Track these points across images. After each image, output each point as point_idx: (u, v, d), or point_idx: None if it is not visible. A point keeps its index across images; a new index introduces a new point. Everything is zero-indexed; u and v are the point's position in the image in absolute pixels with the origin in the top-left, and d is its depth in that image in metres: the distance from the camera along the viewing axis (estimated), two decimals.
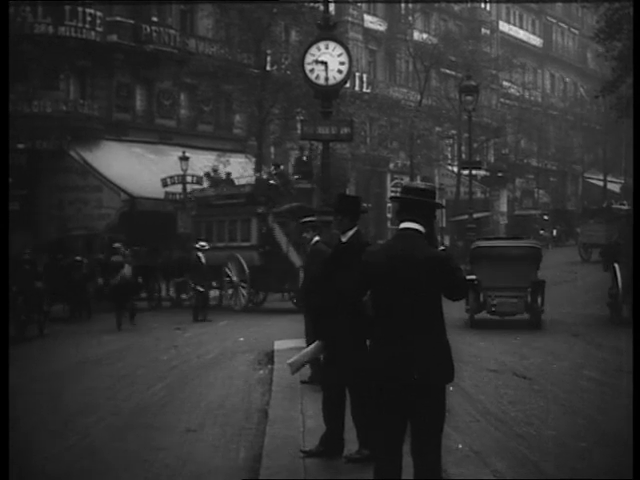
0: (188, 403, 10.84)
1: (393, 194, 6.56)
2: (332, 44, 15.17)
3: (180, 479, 7.68)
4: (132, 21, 35.41)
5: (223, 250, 23.64)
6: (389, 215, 46.53)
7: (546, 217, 51.35)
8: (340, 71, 14.97)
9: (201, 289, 21.39)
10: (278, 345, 14.54)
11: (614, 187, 66.09)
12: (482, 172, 48.89)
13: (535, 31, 67.95)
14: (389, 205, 47.86)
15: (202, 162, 33.17)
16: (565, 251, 42.77)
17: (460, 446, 7.77)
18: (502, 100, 58.63)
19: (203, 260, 21.58)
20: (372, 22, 49.52)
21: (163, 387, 11.98)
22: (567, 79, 71.88)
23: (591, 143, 63.72)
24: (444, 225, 45.70)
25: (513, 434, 8.75)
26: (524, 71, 62.63)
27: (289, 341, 14.96)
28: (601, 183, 64.77)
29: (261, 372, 12.79)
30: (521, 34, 65.34)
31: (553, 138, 63.37)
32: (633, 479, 6.07)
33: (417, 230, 5.37)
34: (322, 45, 15.09)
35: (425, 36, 49.09)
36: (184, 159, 32.79)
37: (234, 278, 23.60)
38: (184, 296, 24.56)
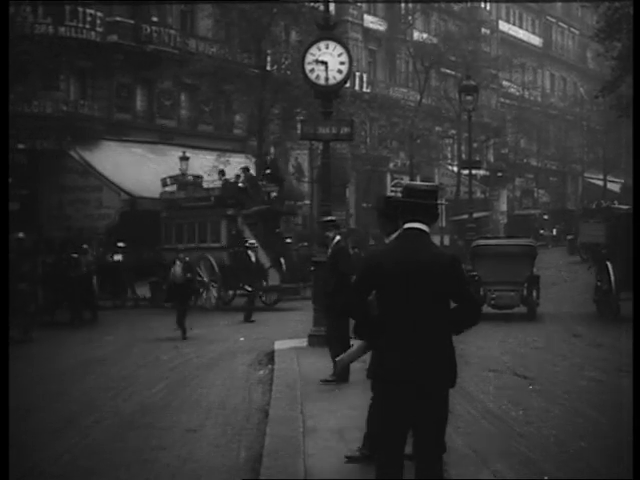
0: (188, 403, 10.85)
1: (393, 193, 6.55)
2: (332, 44, 15.15)
3: (181, 479, 7.69)
4: (132, 21, 35.41)
5: (193, 251, 24.09)
6: None
7: (546, 217, 51.35)
8: (340, 71, 14.95)
9: (250, 289, 21.24)
10: (278, 345, 14.55)
11: (614, 187, 66.08)
12: (482, 172, 48.91)
13: (535, 31, 67.95)
14: None
15: (202, 162, 33.18)
16: (564, 250, 42.75)
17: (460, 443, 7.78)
18: (502, 100, 58.64)
19: (253, 259, 21.28)
20: (372, 22, 49.53)
21: (164, 387, 11.99)
22: (567, 79, 71.89)
23: (591, 143, 63.72)
24: (444, 225, 45.72)
25: (513, 434, 8.76)
26: (524, 71, 62.63)
27: (289, 341, 14.99)
28: (601, 183, 64.76)
29: (261, 372, 12.80)
30: (521, 34, 65.34)
31: (553, 138, 63.39)
32: (633, 479, 6.07)
33: (422, 230, 5.37)
34: (322, 45, 15.07)
35: (425, 36, 49.10)
36: (184, 159, 32.80)
37: (205, 278, 24.09)
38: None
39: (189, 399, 11.11)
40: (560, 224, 50.09)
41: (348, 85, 26.38)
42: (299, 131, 18.16)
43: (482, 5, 56.17)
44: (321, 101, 15.25)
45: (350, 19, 46.59)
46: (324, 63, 14.86)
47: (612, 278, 17.99)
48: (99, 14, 33.76)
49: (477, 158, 42.13)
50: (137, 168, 33.56)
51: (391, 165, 48.97)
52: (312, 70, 14.96)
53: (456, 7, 54.53)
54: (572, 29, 72.51)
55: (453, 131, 47.16)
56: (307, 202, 37.94)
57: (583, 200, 61.83)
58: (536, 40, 67.60)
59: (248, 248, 22.70)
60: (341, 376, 10.78)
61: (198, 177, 28.93)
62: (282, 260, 24.42)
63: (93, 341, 17.99)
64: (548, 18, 69.21)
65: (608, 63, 30.61)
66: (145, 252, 26.58)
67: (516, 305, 19.17)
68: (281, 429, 8.52)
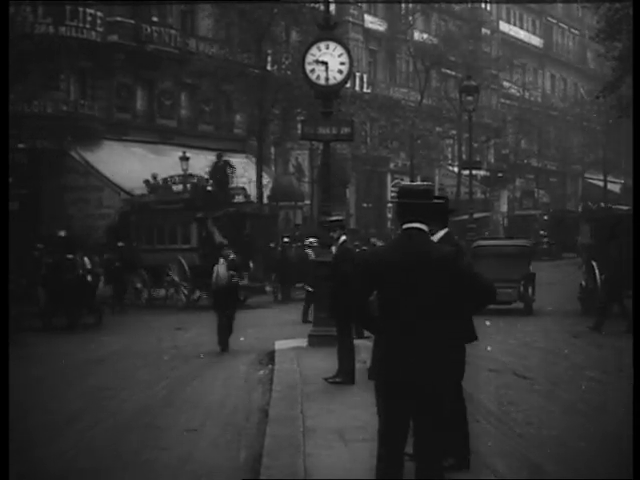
0: (189, 403, 10.85)
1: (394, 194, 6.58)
2: (332, 44, 15.14)
3: (181, 479, 7.69)
4: (133, 21, 35.41)
5: (164, 252, 24.98)
6: (389, 215, 46.54)
7: (545, 217, 51.26)
8: (340, 71, 14.94)
9: (310, 289, 21.17)
10: (279, 345, 14.55)
11: (614, 187, 66.06)
12: (482, 172, 48.88)
13: (535, 31, 67.94)
14: (389, 205, 47.89)
15: (203, 162, 33.18)
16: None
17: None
18: (502, 100, 58.64)
19: (313, 258, 21.06)
20: (372, 22, 49.53)
21: (164, 387, 11.99)
22: (567, 79, 71.88)
23: (591, 143, 63.66)
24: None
25: (513, 434, 8.76)
26: (524, 71, 62.64)
27: (290, 341, 14.98)
28: (601, 183, 64.74)
29: (261, 372, 12.80)
30: (521, 34, 65.34)
31: (553, 138, 63.36)
32: (633, 479, 6.07)
33: (421, 229, 5.38)
34: (322, 45, 15.06)
35: (425, 36, 49.12)
36: (184, 159, 32.79)
37: (175, 278, 24.76)
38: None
39: (189, 399, 11.11)
40: (558, 232, 49.41)
41: (348, 85, 26.43)
42: (299, 131, 18.17)
43: (482, 5, 56.15)
44: (321, 101, 15.24)
45: (350, 19, 46.60)
46: (324, 63, 14.85)
47: (597, 277, 18.90)
48: (99, 14, 33.76)
49: (477, 159, 42.12)
50: (137, 168, 33.55)
51: (391, 165, 48.97)
52: (312, 70, 14.95)
53: (456, 7, 54.50)
54: (572, 30, 72.50)
55: (453, 131, 47.16)
56: (307, 202, 37.95)
57: (584, 201, 61.77)
58: (536, 41, 67.60)
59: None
60: (348, 377, 10.82)
61: (166, 180, 29.45)
62: (250, 262, 25.05)
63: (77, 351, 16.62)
64: (549, 19, 69.20)
65: (608, 64, 30.60)
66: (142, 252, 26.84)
67: (513, 300, 20.33)
68: (281, 429, 8.52)
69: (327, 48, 15.04)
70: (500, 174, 54.03)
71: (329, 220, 12.34)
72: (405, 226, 5.41)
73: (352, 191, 45.89)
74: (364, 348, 11.61)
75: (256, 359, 14.05)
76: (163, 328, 19.61)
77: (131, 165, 33.44)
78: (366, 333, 12.38)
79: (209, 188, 27.17)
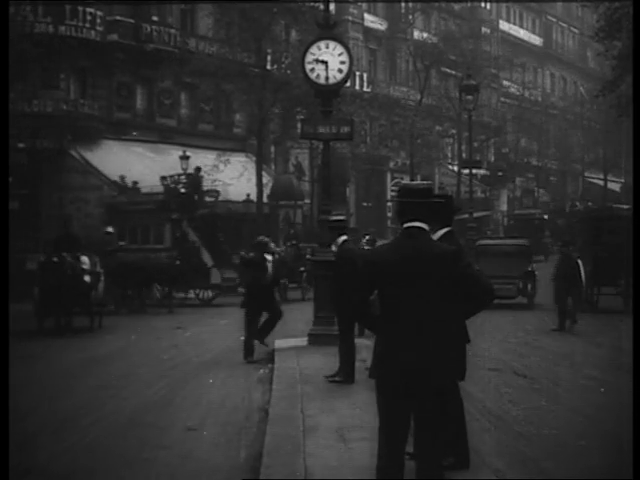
0: (189, 402, 10.85)
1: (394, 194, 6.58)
2: (332, 43, 15.14)
3: (181, 478, 7.70)
4: (132, 20, 35.41)
5: (137, 252, 25.06)
6: (389, 214, 46.54)
7: (545, 216, 51.24)
8: (340, 70, 14.94)
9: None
10: (278, 344, 14.55)
11: (614, 186, 66.06)
12: (482, 171, 48.86)
13: (535, 30, 67.93)
14: (389, 204, 47.87)
15: (203, 161, 33.18)
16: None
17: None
18: (502, 99, 58.62)
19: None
20: (372, 21, 49.52)
21: (164, 386, 11.98)
22: (567, 78, 71.87)
23: (591, 142, 63.66)
24: None
25: (513, 433, 8.76)
26: (524, 70, 62.60)
27: (289, 340, 14.98)
28: (601, 182, 64.74)
29: (261, 371, 12.80)
30: (521, 33, 65.33)
31: (553, 137, 63.34)
32: (633, 479, 6.08)
33: (421, 228, 5.38)
34: (322, 44, 15.06)
35: (425, 35, 49.11)
36: (184, 158, 32.80)
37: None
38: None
39: (189, 398, 11.11)
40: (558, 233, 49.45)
41: (348, 84, 26.40)
42: (299, 130, 18.15)
43: (482, 4, 56.16)
44: (321, 100, 15.23)
45: (350, 18, 46.60)
46: (324, 62, 14.85)
47: (582, 274, 19.90)
48: (99, 13, 33.76)
49: (477, 157, 42.17)
50: (137, 167, 33.55)
51: (391, 164, 48.95)
52: (312, 69, 14.95)
53: (456, 6, 54.53)
54: (572, 28, 72.49)
55: (453, 130, 47.13)
56: (307, 201, 37.92)
57: (584, 200, 61.73)
58: (536, 39, 67.59)
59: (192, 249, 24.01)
60: (349, 376, 10.84)
61: (135, 182, 29.99)
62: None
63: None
64: (548, 17, 69.20)
65: (608, 62, 30.58)
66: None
67: (514, 296, 21.61)
68: (281, 428, 8.52)
69: (327, 47, 15.04)
70: (500, 173, 54.02)
71: (331, 220, 12.34)
72: (405, 225, 5.42)
73: (352, 190, 45.89)
74: (364, 347, 11.61)
75: (256, 358, 14.04)
76: (164, 328, 19.61)
77: (131, 164, 33.43)
78: (366, 332, 12.41)
79: (182, 190, 27.57)
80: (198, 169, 29.98)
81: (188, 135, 37.13)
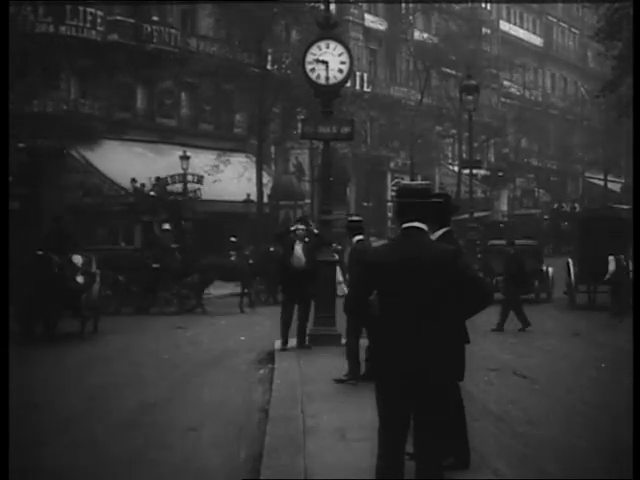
0: (189, 402, 10.86)
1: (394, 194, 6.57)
2: (333, 43, 15.15)
3: (181, 478, 7.70)
4: (133, 20, 35.40)
5: (105, 252, 24.79)
6: (389, 214, 46.54)
7: (546, 217, 51.23)
8: (341, 70, 14.95)
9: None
10: (278, 344, 14.54)
11: (615, 186, 66.04)
12: (482, 171, 48.84)
13: (536, 31, 67.92)
14: (389, 204, 47.88)
15: (203, 161, 33.21)
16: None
17: None
18: (503, 99, 58.60)
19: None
20: (373, 21, 49.51)
21: (164, 386, 11.99)
22: (567, 78, 71.85)
23: (591, 142, 63.60)
24: None
25: (513, 433, 8.76)
26: (524, 70, 62.55)
27: (290, 340, 14.97)
28: (602, 183, 64.73)
29: (262, 371, 12.81)
30: (521, 33, 65.31)
31: (553, 137, 63.32)
32: (633, 479, 6.08)
33: (421, 228, 5.39)
34: (323, 44, 15.07)
35: (425, 35, 49.10)
36: (185, 158, 32.83)
37: (120, 278, 24.62)
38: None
39: (190, 398, 11.12)
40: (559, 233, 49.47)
41: (349, 84, 26.42)
42: (299, 130, 18.17)
43: (483, 5, 56.15)
44: (321, 100, 15.23)
45: (351, 18, 46.59)
46: (325, 62, 14.86)
47: (571, 273, 21.76)
48: (100, 13, 33.75)
49: (478, 158, 42.07)
50: (138, 167, 33.56)
51: (392, 165, 48.95)
52: (313, 69, 14.96)
53: (457, 7, 54.44)
54: (573, 29, 72.47)
55: (454, 131, 47.11)
56: (307, 201, 37.93)
57: (583, 200, 61.72)
58: (537, 40, 67.58)
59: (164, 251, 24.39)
60: (356, 375, 10.83)
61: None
62: None
63: None
64: (549, 18, 69.17)
65: (609, 63, 30.58)
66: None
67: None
68: (281, 428, 8.53)
69: (327, 47, 15.04)
70: (500, 173, 53.99)
71: (349, 219, 12.36)
72: (404, 225, 5.43)
73: (352, 190, 45.89)
74: (364, 347, 11.61)
75: (256, 358, 14.05)
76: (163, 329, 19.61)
77: (131, 164, 33.44)
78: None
79: (152, 193, 27.93)
80: (158, 178, 30.17)
81: (188, 135, 37.13)
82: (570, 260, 22.17)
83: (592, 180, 67.31)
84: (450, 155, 51.07)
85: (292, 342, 14.54)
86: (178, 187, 32.56)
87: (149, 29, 35.66)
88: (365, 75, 46.61)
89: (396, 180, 48.14)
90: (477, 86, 33.35)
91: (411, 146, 44.27)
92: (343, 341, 12.37)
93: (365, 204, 46.53)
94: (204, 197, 33.02)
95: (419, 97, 46.31)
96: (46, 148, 31.97)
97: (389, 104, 45.39)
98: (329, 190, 16.00)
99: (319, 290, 14.44)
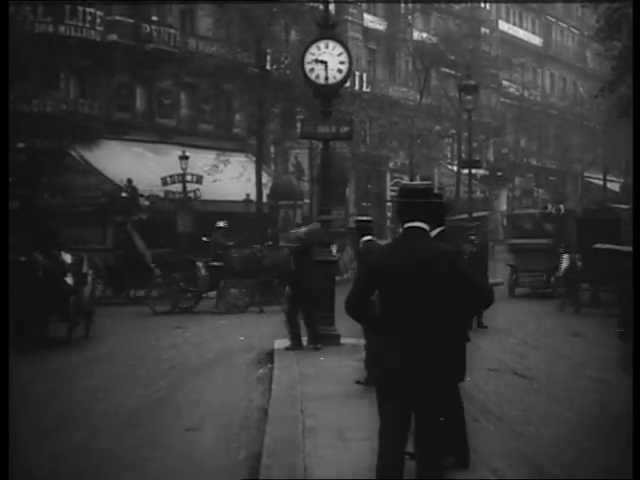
0: (188, 402, 10.85)
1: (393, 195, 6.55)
2: (332, 43, 15.13)
3: (180, 478, 7.69)
4: (132, 20, 35.41)
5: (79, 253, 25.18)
6: (389, 214, 46.54)
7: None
8: (340, 70, 14.93)
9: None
10: (278, 344, 14.54)
11: (614, 186, 66.06)
12: (482, 171, 48.87)
13: (535, 30, 67.94)
14: (389, 204, 47.87)
15: (202, 161, 33.21)
16: None
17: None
18: (502, 99, 58.63)
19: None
20: (372, 21, 49.51)
21: (163, 386, 11.98)
22: (567, 78, 71.87)
23: (591, 142, 63.65)
24: None
25: (513, 433, 8.76)
26: (524, 70, 62.60)
27: (285, 340, 14.97)
28: (601, 182, 64.76)
29: (261, 371, 12.80)
30: (521, 33, 65.33)
31: (553, 137, 63.37)
32: (633, 479, 6.08)
33: (422, 229, 5.38)
34: (322, 44, 15.05)
35: (425, 35, 49.07)
36: (184, 158, 32.84)
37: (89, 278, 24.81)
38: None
39: (189, 398, 11.11)
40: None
41: (348, 84, 26.40)
42: (299, 130, 18.16)
43: (482, 5, 56.16)
44: (321, 100, 15.22)
45: (350, 18, 46.58)
46: (324, 62, 14.84)
47: (562, 267, 22.70)
48: (99, 13, 33.76)
49: (477, 157, 42.08)
50: (137, 167, 33.57)
51: (391, 164, 48.94)
52: (312, 69, 14.94)
53: (456, 6, 54.49)
54: (572, 29, 72.49)
55: (453, 130, 47.11)
56: (307, 201, 37.93)
57: (582, 200, 61.75)
58: (536, 40, 67.60)
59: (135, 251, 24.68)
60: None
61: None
62: None
63: None
64: (548, 18, 69.19)
65: (608, 63, 30.56)
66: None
67: (543, 287, 25.61)
68: (281, 428, 8.52)
69: (326, 47, 15.03)
70: (499, 173, 54.04)
71: (357, 219, 12.34)
72: (406, 225, 5.42)
73: (351, 190, 45.86)
74: (363, 347, 11.60)
75: (255, 358, 14.04)
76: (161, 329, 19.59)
77: (131, 164, 33.45)
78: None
79: (123, 194, 28.08)
80: (129, 180, 30.11)
81: (188, 135, 37.14)
82: (565, 255, 22.90)
83: (591, 180, 67.35)
84: (449, 155, 51.08)
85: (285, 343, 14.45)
86: (178, 187, 32.65)
87: (148, 29, 35.66)
88: (364, 75, 46.59)
89: (395, 180, 48.14)
90: (476, 86, 33.35)
91: (410, 146, 44.26)
92: (358, 341, 12.25)
93: (364, 204, 46.52)
94: (203, 197, 33.10)
95: (418, 97, 46.30)
96: (46, 148, 31.98)
97: (388, 104, 45.33)
98: (328, 190, 15.99)
99: (319, 290, 14.44)
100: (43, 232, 16.93)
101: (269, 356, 13.75)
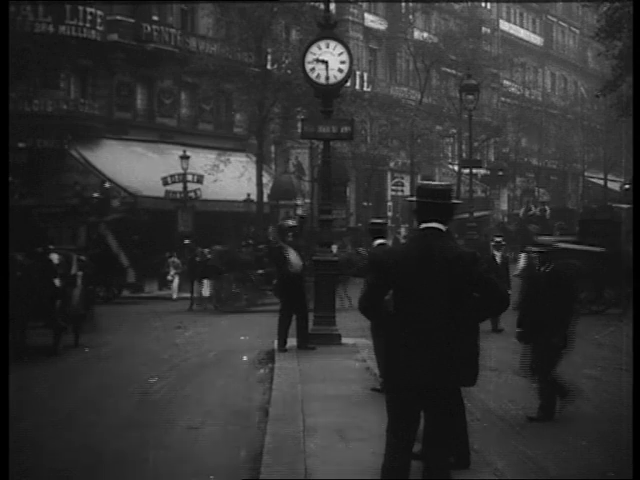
0: (189, 401, 10.85)
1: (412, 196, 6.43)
2: (333, 43, 15.14)
3: (181, 477, 7.70)
4: (133, 20, 35.40)
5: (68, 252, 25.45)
6: (389, 214, 46.54)
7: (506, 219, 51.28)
8: (341, 70, 14.94)
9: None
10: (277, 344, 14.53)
11: (615, 186, 66.03)
12: (482, 171, 48.87)
13: (536, 30, 67.90)
14: (389, 204, 47.86)
15: (203, 161, 33.22)
16: None
17: None
18: (503, 99, 58.60)
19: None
20: (373, 21, 49.51)
21: (164, 385, 11.98)
22: (567, 78, 71.82)
23: (591, 142, 63.63)
24: None
25: (513, 433, 8.76)
26: (524, 70, 62.58)
27: (290, 340, 14.97)
28: (602, 182, 64.74)
29: (262, 371, 12.80)
30: (522, 33, 65.29)
31: (553, 137, 63.30)
32: (633, 479, 6.07)
33: (439, 229, 5.37)
34: (323, 44, 15.06)
35: (425, 35, 49.06)
36: (185, 158, 32.83)
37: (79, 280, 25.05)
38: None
39: (190, 397, 11.11)
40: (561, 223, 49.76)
41: (348, 84, 26.43)
42: (299, 130, 18.16)
43: (483, 4, 56.14)
44: (321, 100, 15.23)
45: (351, 18, 46.57)
46: (324, 62, 14.85)
47: None
48: (99, 13, 33.75)
49: (478, 157, 42.11)
50: (138, 167, 33.58)
51: (391, 164, 48.91)
52: (312, 69, 14.95)
53: (457, 6, 54.48)
54: (573, 28, 72.44)
55: (454, 130, 47.08)
56: (307, 201, 37.95)
57: (583, 199, 61.74)
58: (537, 39, 67.56)
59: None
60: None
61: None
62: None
63: None
64: (549, 17, 69.15)
65: (609, 62, 30.60)
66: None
67: None
68: (282, 428, 8.52)
69: (327, 47, 15.03)
70: (500, 173, 54.00)
71: (370, 222, 12.27)
72: (423, 225, 5.40)
73: (352, 189, 45.87)
74: (365, 347, 11.62)
75: (256, 358, 14.04)
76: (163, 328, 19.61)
77: (131, 164, 33.46)
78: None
79: (95, 194, 28.38)
80: (104, 182, 30.51)
81: (188, 135, 37.13)
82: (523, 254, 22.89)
83: (592, 179, 67.33)
84: (450, 154, 51.05)
85: (290, 342, 14.51)
86: (178, 186, 32.64)
87: (149, 29, 35.65)
88: (365, 74, 46.58)
89: (396, 180, 48.15)
90: (477, 85, 33.35)
91: (411, 146, 44.22)
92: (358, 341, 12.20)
93: (365, 204, 46.53)
94: (204, 197, 33.11)
95: (419, 96, 46.27)
96: (46, 148, 31.98)
97: (389, 104, 45.32)
98: (329, 190, 15.99)
99: (319, 290, 14.45)
100: (24, 231, 15.32)
101: (270, 356, 13.75)
